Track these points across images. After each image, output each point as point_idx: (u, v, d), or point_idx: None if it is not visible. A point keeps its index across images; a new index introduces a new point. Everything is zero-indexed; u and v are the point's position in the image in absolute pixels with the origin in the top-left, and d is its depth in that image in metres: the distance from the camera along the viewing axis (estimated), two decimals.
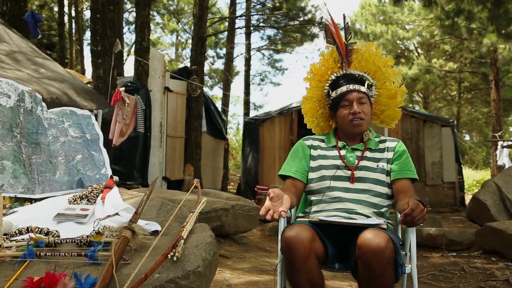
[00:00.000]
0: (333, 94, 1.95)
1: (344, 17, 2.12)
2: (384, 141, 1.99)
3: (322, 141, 2.03)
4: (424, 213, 1.55)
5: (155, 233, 1.76)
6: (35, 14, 6.45)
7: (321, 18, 14.13)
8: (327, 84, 2.01)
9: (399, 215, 2.04)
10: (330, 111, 2.03)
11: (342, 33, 2.06)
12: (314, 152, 1.99)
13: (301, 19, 14.37)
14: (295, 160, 1.98)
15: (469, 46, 14.94)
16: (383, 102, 2.07)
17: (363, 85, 1.94)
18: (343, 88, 1.92)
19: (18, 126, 2.48)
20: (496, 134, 12.17)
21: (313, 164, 1.96)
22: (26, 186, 2.35)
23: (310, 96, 2.08)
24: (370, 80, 2.00)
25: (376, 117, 2.10)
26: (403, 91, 2.06)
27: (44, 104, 2.72)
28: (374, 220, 1.73)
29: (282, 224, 1.88)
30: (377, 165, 1.92)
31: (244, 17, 14.92)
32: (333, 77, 2.00)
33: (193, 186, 2.18)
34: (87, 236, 1.69)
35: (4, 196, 2.15)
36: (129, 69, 19.58)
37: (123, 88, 5.70)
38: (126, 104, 5.58)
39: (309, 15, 14.71)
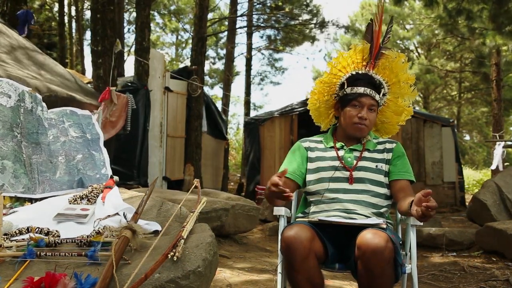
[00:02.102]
0: (348, 90, 1.94)
1: (391, 20, 2.11)
2: (382, 142, 1.99)
3: (320, 142, 2.03)
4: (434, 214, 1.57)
5: (155, 233, 1.76)
6: (29, 14, 6.44)
7: (323, 18, 14.15)
8: (345, 76, 2.00)
9: (399, 215, 2.05)
10: (336, 103, 2.02)
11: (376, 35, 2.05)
12: (311, 154, 1.99)
13: (303, 18, 14.36)
14: (292, 162, 1.98)
15: (470, 45, 14.92)
16: (387, 114, 2.07)
17: (379, 93, 1.95)
18: (360, 89, 1.91)
19: (19, 126, 2.48)
20: (497, 134, 12.15)
21: (311, 166, 1.96)
22: (27, 186, 2.35)
23: (324, 80, 2.07)
24: (386, 89, 2.00)
25: (374, 125, 2.08)
26: (409, 112, 2.07)
27: (44, 104, 2.72)
28: (374, 220, 1.73)
29: (282, 224, 1.88)
30: (376, 166, 1.92)
31: (245, 17, 14.93)
32: (353, 72, 1.99)
33: (193, 186, 2.18)
34: (87, 236, 1.69)
35: (4, 196, 2.16)
36: (129, 69, 19.62)
37: (114, 88, 5.68)
38: (113, 104, 5.56)
39: (311, 15, 14.70)
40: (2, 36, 4.80)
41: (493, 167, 9.84)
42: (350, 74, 1.99)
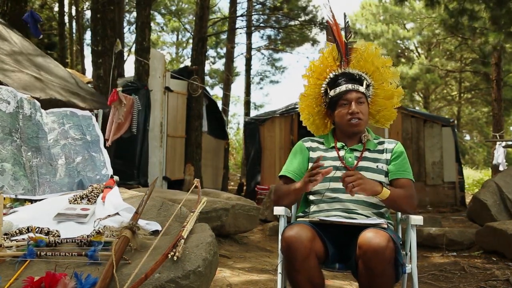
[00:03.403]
0: (332, 93, 1.95)
1: (345, 16, 2.12)
2: (383, 142, 2.00)
3: (321, 143, 2.04)
4: (359, 181, 1.67)
5: (155, 233, 1.76)
6: (34, 14, 6.45)
7: (322, 18, 14.15)
8: (325, 82, 2.01)
9: (399, 215, 2.05)
10: (327, 110, 2.04)
11: (343, 32, 2.07)
12: (313, 154, 2.00)
13: (302, 19, 14.36)
14: (293, 162, 1.99)
15: (472, 45, 14.91)
16: (379, 102, 2.07)
17: (362, 85, 1.95)
18: (342, 87, 1.92)
19: (18, 131, 2.49)
20: (497, 134, 12.15)
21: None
22: (27, 187, 2.35)
23: (307, 93, 2.09)
24: (368, 80, 2.00)
25: (372, 117, 2.10)
26: (400, 92, 2.06)
27: (43, 110, 2.73)
28: (375, 220, 1.73)
29: (282, 223, 1.88)
30: (377, 166, 1.92)
31: (245, 17, 14.93)
32: (331, 75, 2.00)
33: (193, 186, 2.18)
34: (88, 236, 1.69)
35: (4, 197, 2.15)
36: (129, 69, 19.62)
37: (120, 88, 5.70)
38: (123, 105, 5.59)
39: (310, 16, 14.70)
40: (2, 41, 4.80)
41: (495, 162, 9.84)
42: (329, 78, 2.00)
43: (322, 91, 2.03)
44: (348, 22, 2.09)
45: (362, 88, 1.93)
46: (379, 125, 2.14)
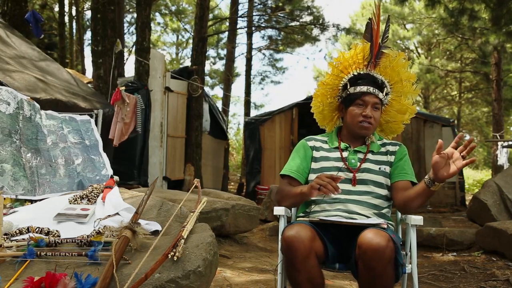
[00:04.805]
0: (351, 90, 1.94)
1: (388, 19, 2.13)
2: (386, 144, 2.00)
3: (325, 142, 2.03)
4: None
5: (155, 233, 1.76)
6: (36, 14, 6.46)
7: (323, 19, 14.14)
8: (347, 77, 2.01)
9: (399, 216, 2.05)
10: (340, 104, 2.03)
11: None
12: (316, 154, 1.99)
13: (304, 19, 14.35)
14: (296, 160, 1.98)
15: (472, 45, 14.91)
16: (391, 114, 2.07)
17: (382, 91, 1.95)
18: (363, 88, 1.91)
19: (17, 132, 2.49)
20: (497, 134, 12.15)
21: (315, 165, 1.96)
22: (26, 188, 2.35)
23: (327, 82, 2.07)
24: (389, 88, 2.00)
25: (379, 126, 2.09)
26: (413, 110, 2.06)
27: (43, 112, 2.73)
28: (375, 220, 1.73)
29: (282, 223, 1.88)
30: (379, 168, 1.92)
31: (245, 18, 14.93)
32: (355, 73, 1.99)
33: (193, 186, 2.18)
34: (88, 236, 1.69)
35: (4, 197, 2.16)
36: (129, 69, 19.62)
37: (123, 88, 5.70)
38: (126, 104, 5.58)
39: (312, 16, 14.69)
40: (4, 45, 4.81)
41: (500, 163, 9.87)
42: (352, 75, 1.99)
43: (342, 84, 2.02)
44: (389, 25, 2.09)
45: (381, 95, 1.93)
46: (383, 135, 2.13)
